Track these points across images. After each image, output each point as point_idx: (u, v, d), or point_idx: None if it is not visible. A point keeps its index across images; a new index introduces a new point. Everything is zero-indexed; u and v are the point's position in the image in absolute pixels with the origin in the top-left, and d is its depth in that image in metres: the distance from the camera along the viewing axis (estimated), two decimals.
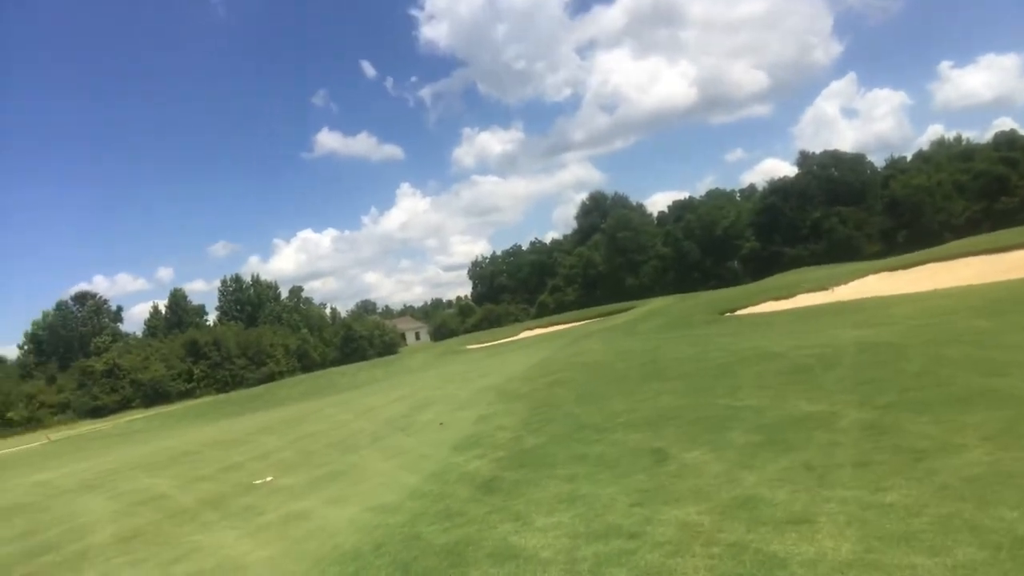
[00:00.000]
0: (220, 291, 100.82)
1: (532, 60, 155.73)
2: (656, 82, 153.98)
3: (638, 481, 6.36)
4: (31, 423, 67.08)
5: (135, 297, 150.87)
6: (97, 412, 70.39)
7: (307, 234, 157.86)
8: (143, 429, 41.19)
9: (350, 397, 29.48)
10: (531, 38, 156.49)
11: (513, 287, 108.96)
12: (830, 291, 24.86)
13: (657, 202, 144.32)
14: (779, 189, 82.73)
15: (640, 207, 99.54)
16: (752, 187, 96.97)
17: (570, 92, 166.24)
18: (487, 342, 54.84)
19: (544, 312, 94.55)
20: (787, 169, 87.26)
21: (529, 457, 8.18)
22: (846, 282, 25.96)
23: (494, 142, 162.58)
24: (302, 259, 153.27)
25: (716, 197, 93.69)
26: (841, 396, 8.51)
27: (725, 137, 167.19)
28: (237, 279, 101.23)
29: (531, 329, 60.89)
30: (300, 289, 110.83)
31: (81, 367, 74.77)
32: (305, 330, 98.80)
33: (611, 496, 5.98)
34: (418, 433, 12.45)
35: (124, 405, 72.88)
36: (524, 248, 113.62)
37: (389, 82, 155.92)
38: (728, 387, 10.57)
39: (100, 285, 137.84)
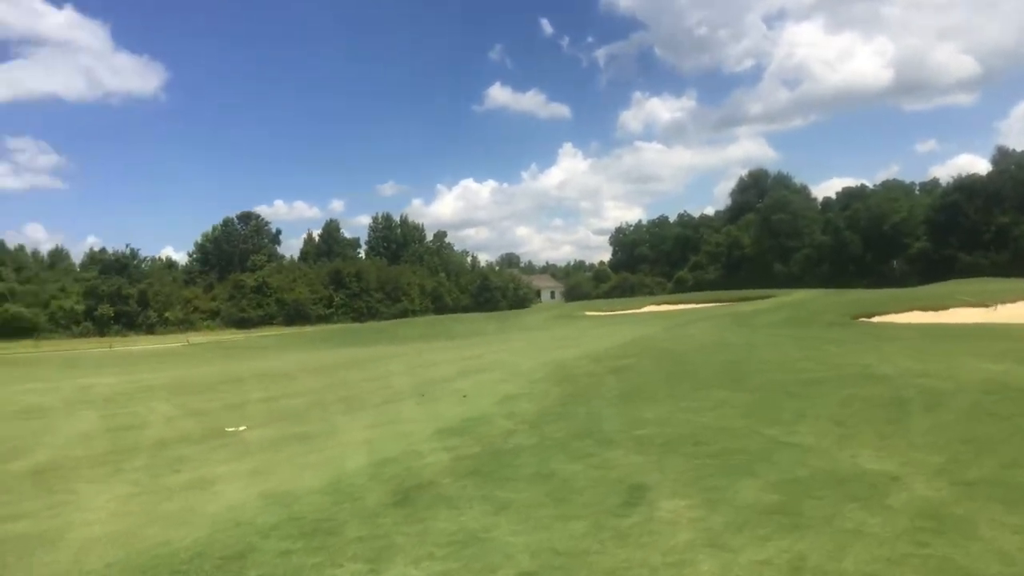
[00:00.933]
0: (371, 227, 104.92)
1: (715, 27, 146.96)
2: (847, 59, 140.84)
3: (572, 533, 4.73)
4: (183, 324, 73.10)
5: (307, 224, 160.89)
6: (242, 323, 75.59)
7: (468, 183, 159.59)
8: (259, 346, 43.30)
9: (438, 346, 29.08)
10: (718, 4, 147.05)
11: (653, 258, 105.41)
12: (991, 309, 21.06)
13: (827, 188, 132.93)
14: (965, 187, 73.38)
15: (804, 190, 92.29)
16: (935, 181, 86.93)
17: (751, 63, 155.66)
18: (606, 311, 53.03)
19: (681, 288, 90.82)
20: (983, 166, 77.01)
21: (489, 465, 6.70)
22: (1013, 301, 21.87)
23: (663, 109, 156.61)
24: (460, 206, 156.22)
25: (891, 188, 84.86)
26: (922, 454, 6.33)
27: (918, 125, 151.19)
28: (387, 217, 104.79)
29: (657, 304, 58.27)
30: (444, 234, 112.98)
31: (235, 280, 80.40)
32: (443, 274, 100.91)
33: (514, 551, 4.42)
34: (430, 403, 11.32)
35: (267, 320, 77.81)
36: (671, 220, 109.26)
37: (565, 41, 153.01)
38: (794, 412, 8.50)
39: (279, 209, 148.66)
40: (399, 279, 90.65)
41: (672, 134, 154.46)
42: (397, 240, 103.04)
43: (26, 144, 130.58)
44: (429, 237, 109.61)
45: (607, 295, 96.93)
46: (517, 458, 6.86)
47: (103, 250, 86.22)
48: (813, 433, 7.39)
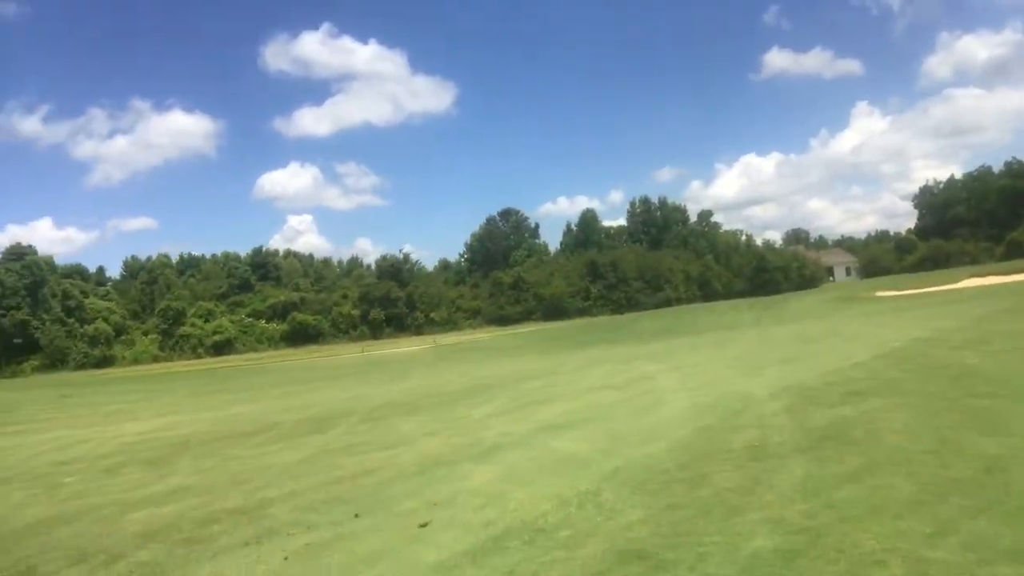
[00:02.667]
0: (628, 213, 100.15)
1: None
2: None
3: None
4: (448, 324, 74.75)
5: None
6: (502, 320, 75.44)
7: (750, 158, 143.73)
8: (498, 348, 40.69)
9: (662, 350, 23.21)
10: None
11: (973, 220, 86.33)
12: None
13: None
14: None
15: None
16: None
17: None
18: (909, 288, 42.21)
19: (1017, 253, 72.59)
20: None
21: None
22: None
23: (980, 47, 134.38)
24: (744, 184, 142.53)
25: None
26: None
27: None
28: (646, 200, 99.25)
29: (981, 276, 45.51)
30: (709, 213, 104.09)
31: (493, 278, 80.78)
32: (710, 257, 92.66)
33: None
34: (523, 470, 6.25)
35: (526, 316, 76.91)
36: (994, 171, 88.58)
37: None
38: None
39: (562, 205, 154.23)
40: (659, 265, 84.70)
41: (993, 74, 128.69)
42: (657, 224, 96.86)
43: (351, 169, 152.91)
44: (693, 218, 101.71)
45: (914, 268, 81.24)
46: None
47: (384, 257, 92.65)
48: None
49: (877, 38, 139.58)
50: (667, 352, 21.33)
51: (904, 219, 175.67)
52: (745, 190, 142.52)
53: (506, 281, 78.89)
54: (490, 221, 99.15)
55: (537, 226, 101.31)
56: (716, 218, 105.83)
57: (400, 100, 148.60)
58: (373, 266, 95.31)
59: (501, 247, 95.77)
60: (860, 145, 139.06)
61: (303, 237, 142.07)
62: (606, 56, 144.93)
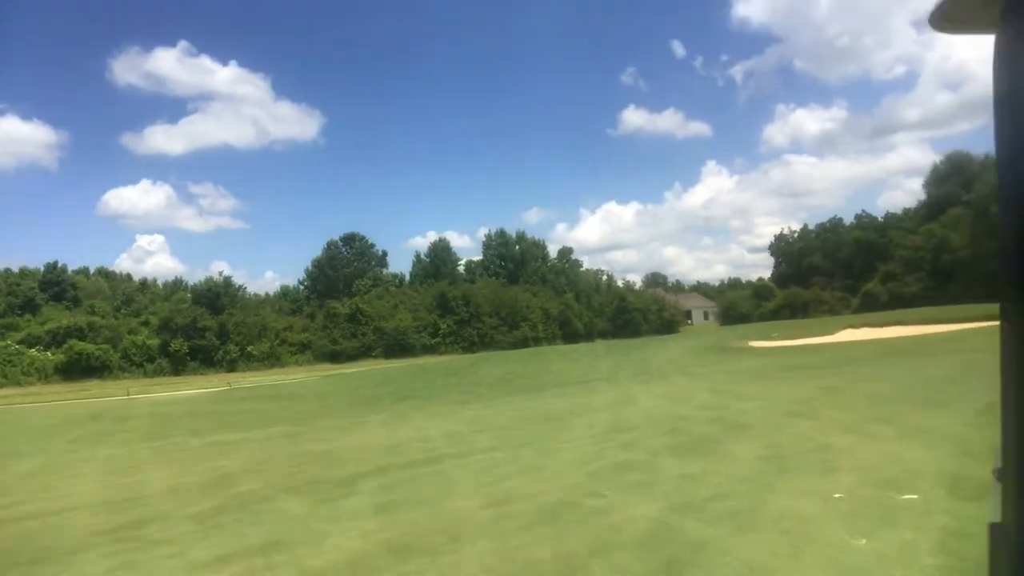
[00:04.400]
0: (484, 245, 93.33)
1: (858, 36, 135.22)
2: None
3: None
4: (270, 359, 64.00)
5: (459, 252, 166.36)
6: (335, 356, 65.59)
7: (611, 206, 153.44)
8: (294, 396, 31.39)
9: (466, 423, 15.44)
10: (858, 13, 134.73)
11: (828, 270, 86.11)
12: None
13: None
14: None
15: None
16: None
17: (904, 70, 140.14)
18: (784, 340, 37.01)
19: (871, 305, 71.76)
20: None
21: None
22: None
23: (811, 120, 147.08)
24: (606, 229, 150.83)
25: None
26: None
27: None
28: (502, 233, 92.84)
29: (856, 327, 41.34)
30: (570, 251, 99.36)
31: (327, 309, 70.86)
32: (570, 295, 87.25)
33: None
34: None
35: (364, 352, 67.46)
36: (847, 223, 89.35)
37: (699, 61, 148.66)
38: None
39: (431, 239, 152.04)
40: (516, 302, 77.93)
41: (823, 145, 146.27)
42: (515, 258, 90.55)
43: (208, 190, 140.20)
44: (553, 255, 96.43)
45: (773, 316, 79.17)
46: None
47: (203, 280, 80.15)
48: None
49: (723, 105, 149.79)
50: (474, 424, 13.60)
51: (750, 269, 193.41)
52: (607, 235, 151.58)
53: (342, 312, 69.18)
54: (331, 246, 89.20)
55: (385, 254, 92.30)
56: (578, 257, 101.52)
57: (262, 124, 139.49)
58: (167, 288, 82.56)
59: (343, 275, 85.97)
60: (710, 200, 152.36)
61: (153, 258, 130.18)
62: (477, 98, 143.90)
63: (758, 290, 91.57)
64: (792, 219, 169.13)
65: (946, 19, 1.21)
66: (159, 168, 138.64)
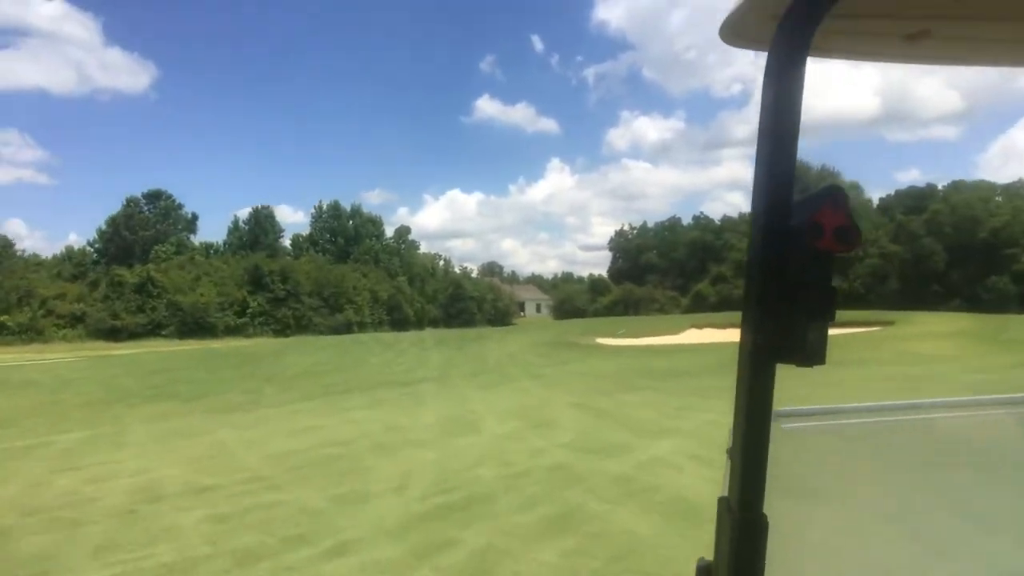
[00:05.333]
0: (313, 216, 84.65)
1: (704, 52, 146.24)
2: (834, 87, 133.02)
3: None
4: (29, 332, 52.45)
5: (292, 228, 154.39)
6: (115, 333, 55.07)
7: (455, 194, 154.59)
8: (36, 382, 23.12)
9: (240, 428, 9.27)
10: (706, 30, 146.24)
11: (664, 268, 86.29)
12: None
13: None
14: None
15: (855, 187, 73.31)
16: None
17: (740, 88, 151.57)
18: (630, 338, 33.42)
19: (700, 306, 71.99)
20: None
21: None
22: None
23: (651, 128, 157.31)
24: (447, 216, 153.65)
25: (980, 188, 66.04)
26: None
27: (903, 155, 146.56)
28: (335, 206, 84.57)
29: (699, 327, 38.80)
30: (407, 230, 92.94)
31: (112, 276, 59.80)
32: (403, 278, 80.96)
33: None
34: None
35: (152, 330, 57.35)
36: (685, 223, 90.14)
37: (555, 58, 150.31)
38: None
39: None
40: (342, 282, 70.51)
41: (659, 153, 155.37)
42: (346, 233, 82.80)
43: (11, 136, 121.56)
44: (389, 233, 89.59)
45: (607, 311, 77.55)
46: None
47: None
48: None
49: (573, 104, 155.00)
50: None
51: (582, 266, 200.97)
52: (448, 223, 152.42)
53: (129, 281, 58.51)
54: (131, 203, 76.63)
55: (195, 218, 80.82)
56: (414, 238, 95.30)
57: (86, 70, 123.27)
58: None
59: (141, 238, 74.06)
60: (551, 196, 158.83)
61: None
62: (324, 74, 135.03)
63: (594, 284, 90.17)
64: (623, 220, 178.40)
65: (733, 33, 1.27)
66: None
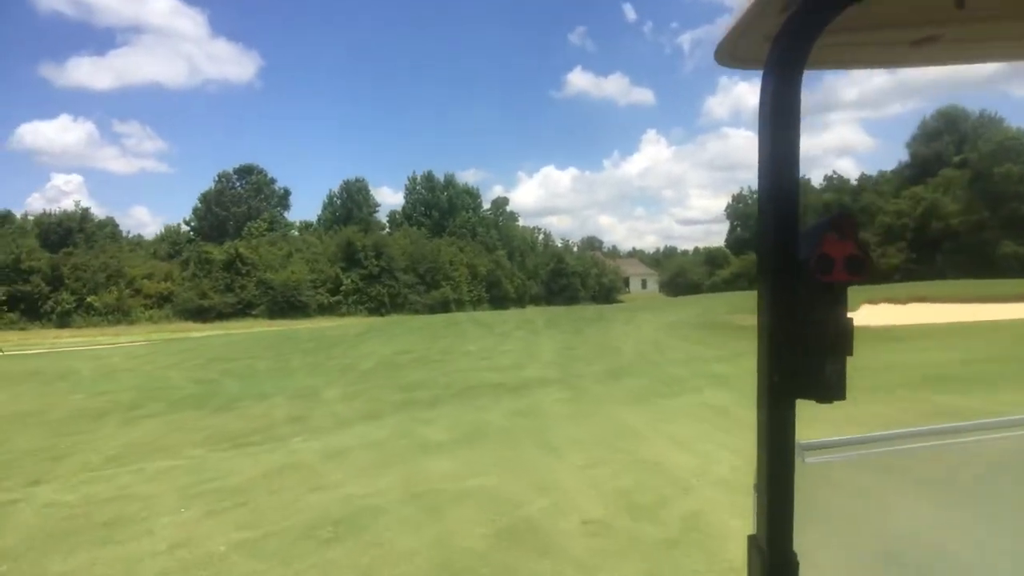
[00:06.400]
0: (406, 189, 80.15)
1: None
2: None
3: None
4: (116, 313, 50.16)
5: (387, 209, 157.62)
6: (203, 314, 52.20)
7: (549, 170, 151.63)
8: (77, 374, 18.75)
9: None
10: None
11: None
12: None
13: None
14: None
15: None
16: None
17: None
18: None
19: None
20: None
21: None
22: None
23: (752, 94, 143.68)
24: (542, 194, 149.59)
25: None
26: None
27: None
28: (429, 177, 79.72)
29: (874, 303, 30.91)
30: (505, 201, 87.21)
31: (200, 253, 57.02)
32: (502, 252, 75.49)
33: None
34: None
35: (242, 310, 54.25)
36: (814, 183, 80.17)
37: (648, 26, 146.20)
38: None
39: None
40: (438, 257, 65.68)
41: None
42: (441, 206, 77.88)
43: (134, 129, 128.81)
44: (486, 205, 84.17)
45: (727, 285, 69.49)
46: None
47: (47, 212, 64.34)
48: None
49: (668, 73, 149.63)
50: None
51: (682, 242, 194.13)
52: (542, 200, 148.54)
53: (217, 258, 55.54)
54: (223, 178, 74.41)
55: (288, 192, 78.04)
56: (512, 210, 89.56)
57: (196, 62, 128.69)
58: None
59: (233, 214, 71.67)
60: (646, 169, 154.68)
61: (69, 199, 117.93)
62: (417, 57, 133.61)
63: (710, 256, 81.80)
64: (722, 192, 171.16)
65: (729, 56, 1.29)
66: (82, 103, 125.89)
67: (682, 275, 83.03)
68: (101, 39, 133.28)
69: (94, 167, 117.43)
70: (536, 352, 19.73)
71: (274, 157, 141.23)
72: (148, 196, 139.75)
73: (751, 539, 1.17)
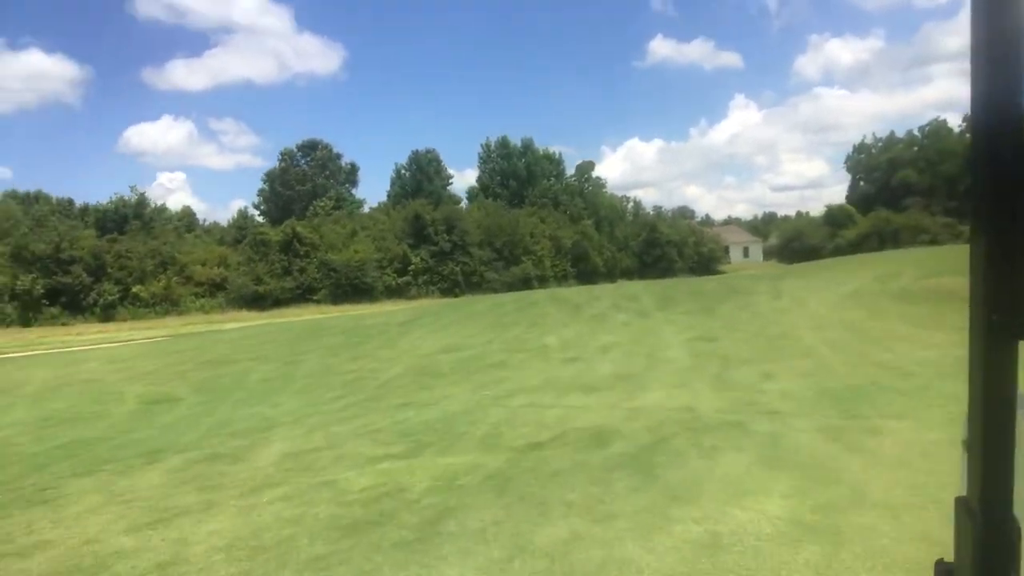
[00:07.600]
0: (480, 158, 73.06)
1: None
2: None
3: None
4: (164, 304, 45.52)
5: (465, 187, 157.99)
6: (259, 301, 47.00)
7: (633, 143, 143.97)
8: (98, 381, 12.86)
9: None
10: None
11: (926, 188, 65.77)
12: None
13: None
14: None
15: None
16: None
17: None
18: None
19: None
20: None
21: None
22: None
23: (845, 51, 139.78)
24: (627, 167, 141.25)
25: None
26: None
27: None
28: (504, 142, 72.35)
29: None
30: (591, 165, 78.91)
31: (254, 237, 51.84)
32: (589, 222, 67.65)
33: None
34: None
35: (302, 296, 48.80)
36: (952, 127, 68.29)
37: None
38: None
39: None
40: (517, 230, 58.48)
41: (856, 77, 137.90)
42: (518, 174, 70.42)
43: (229, 126, 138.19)
44: (570, 171, 76.23)
45: (853, 248, 59.25)
46: None
47: (115, 199, 60.87)
48: None
49: (754, 35, 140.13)
50: None
51: (774, 208, 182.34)
52: (628, 173, 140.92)
53: (274, 240, 50.17)
54: (286, 156, 69.44)
55: (355, 169, 72.40)
56: (599, 175, 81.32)
57: (284, 57, 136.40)
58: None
59: (298, 193, 66.62)
60: (735, 136, 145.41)
61: (174, 196, 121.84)
62: (495, 32, 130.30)
63: (831, 216, 71.12)
64: (817, 156, 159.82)
65: None
66: (181, 104, 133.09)
67: (797, 239, 72.82)
68: (195, 41, 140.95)
69: (195, 164, 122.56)
70: (656, 348, 12.20)
71: (352, 140, 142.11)
72: (245, 189, 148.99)
73: (959, 501, 1.02)
